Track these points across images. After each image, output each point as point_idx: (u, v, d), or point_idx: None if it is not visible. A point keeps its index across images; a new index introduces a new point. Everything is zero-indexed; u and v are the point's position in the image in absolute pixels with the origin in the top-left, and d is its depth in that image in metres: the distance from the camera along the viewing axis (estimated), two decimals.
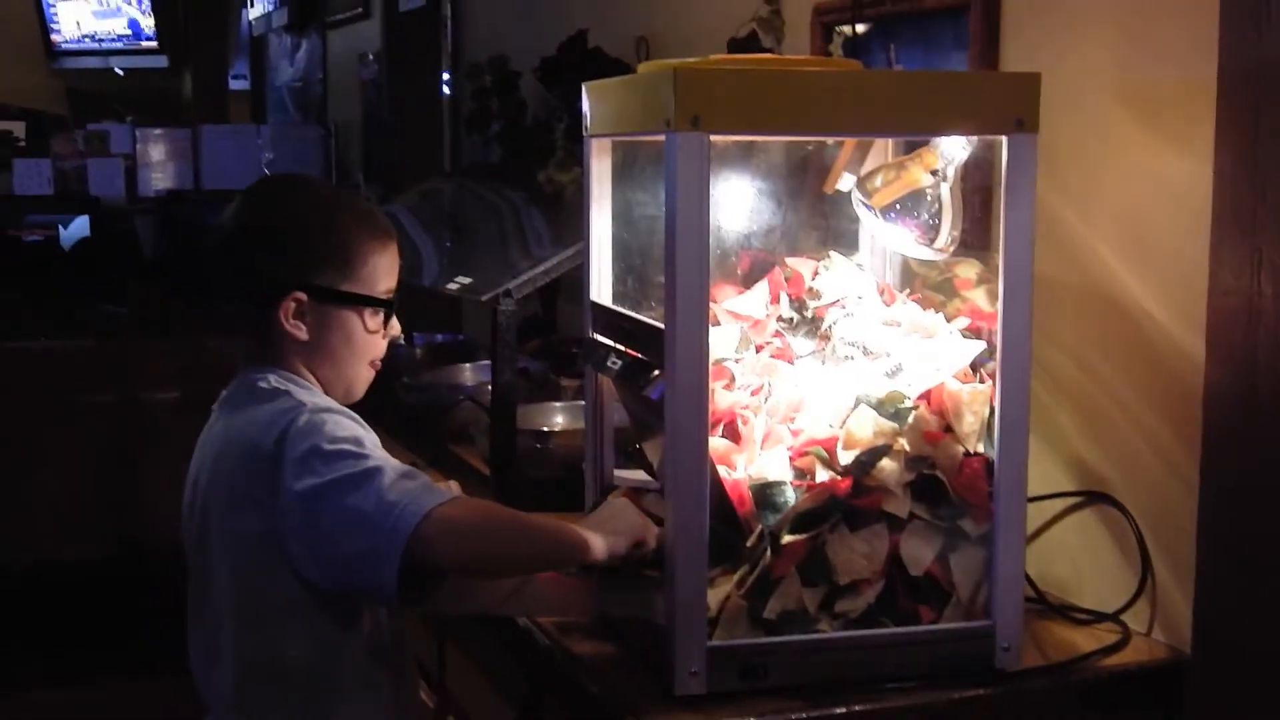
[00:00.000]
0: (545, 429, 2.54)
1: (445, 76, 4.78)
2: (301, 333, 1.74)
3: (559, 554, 1.67)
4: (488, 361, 2.80)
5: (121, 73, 9.47)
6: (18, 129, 7.22)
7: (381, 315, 1.78)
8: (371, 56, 5.61)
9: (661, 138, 1.59)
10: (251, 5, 7.53)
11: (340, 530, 1.58)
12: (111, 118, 7.29)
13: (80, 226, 6.22)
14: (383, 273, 1.78)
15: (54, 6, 9.64)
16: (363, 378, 1.82)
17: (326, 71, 6.46)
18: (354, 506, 1.56)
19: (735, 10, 2.63)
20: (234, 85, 8.58)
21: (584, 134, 1.96)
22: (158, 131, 6.58)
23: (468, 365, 3.13)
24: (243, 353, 1.79)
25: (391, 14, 5.30)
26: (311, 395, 1.72)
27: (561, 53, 3.38)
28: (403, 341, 3.47)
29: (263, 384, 1.73)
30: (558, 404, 2.70)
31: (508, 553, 1.65)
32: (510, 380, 2.47)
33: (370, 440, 1.65)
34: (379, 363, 1.84)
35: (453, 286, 2.76)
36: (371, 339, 1.79)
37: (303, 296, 1.73)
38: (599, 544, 1.64)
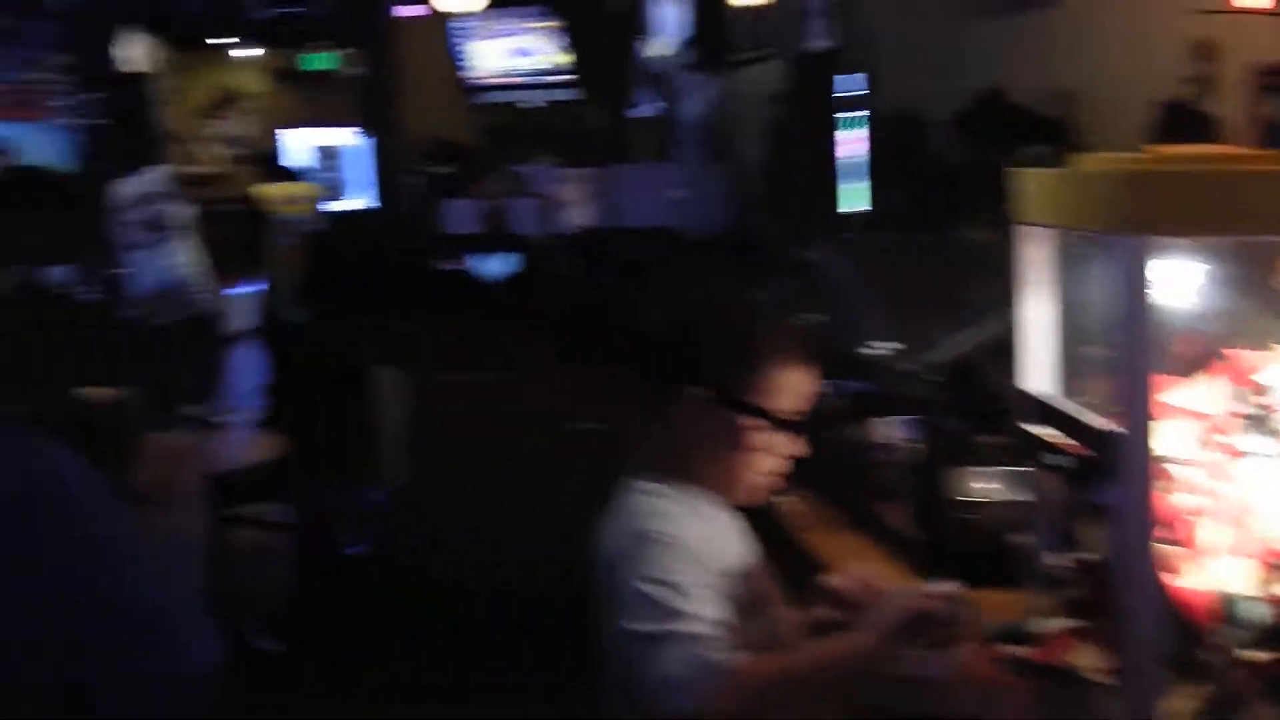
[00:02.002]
0: (976, 499, 2.51)
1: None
2: (696, 429, 1.84)
3: (837, 676, 1.73)
4: (910, 418, 2.81)
5: (540, 106, 9.99)
6: (452, 170, 7.81)
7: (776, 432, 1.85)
8: (775, 97, 5.74)
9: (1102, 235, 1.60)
10: (658, 43, 7.83)
11: (647, 681, 1.66)
12: (525, 156, 7.76)
13: (507, 262, 6.63)
14: (787, 391, 1.85)
15: (468, 46, 10.31)
16: (752, 484, 1.89)
17: (730, 110, 6.65)
18: (651, 667, 1.65)
19: (1161, 63, 2.58)
20: (639, 120, 8.94)
21: (1013, 221, 1.96)
22: (573, 171, 6.97)
23: (890, 421, 3.15)
24: (640, 448, 1.89)
25: (798, 56, 5.41)
26: (663, 511, 1.79)
27: (977, 105, 3.40)
28: (825, 390, 3.53)
29: (638, 491, 1.84)
30: (983, 469, 2.68)
31: (793, 705, 1.71)
32: (939, 445, 2.49)
33: (693, 578, 1.70)
34: (775, 476, 1.90)
35: (877, 348, 2.82)
36: (763, 453, 1.86)
37: (703, 393, 1.83)
38: (866, 641, 1.71)
